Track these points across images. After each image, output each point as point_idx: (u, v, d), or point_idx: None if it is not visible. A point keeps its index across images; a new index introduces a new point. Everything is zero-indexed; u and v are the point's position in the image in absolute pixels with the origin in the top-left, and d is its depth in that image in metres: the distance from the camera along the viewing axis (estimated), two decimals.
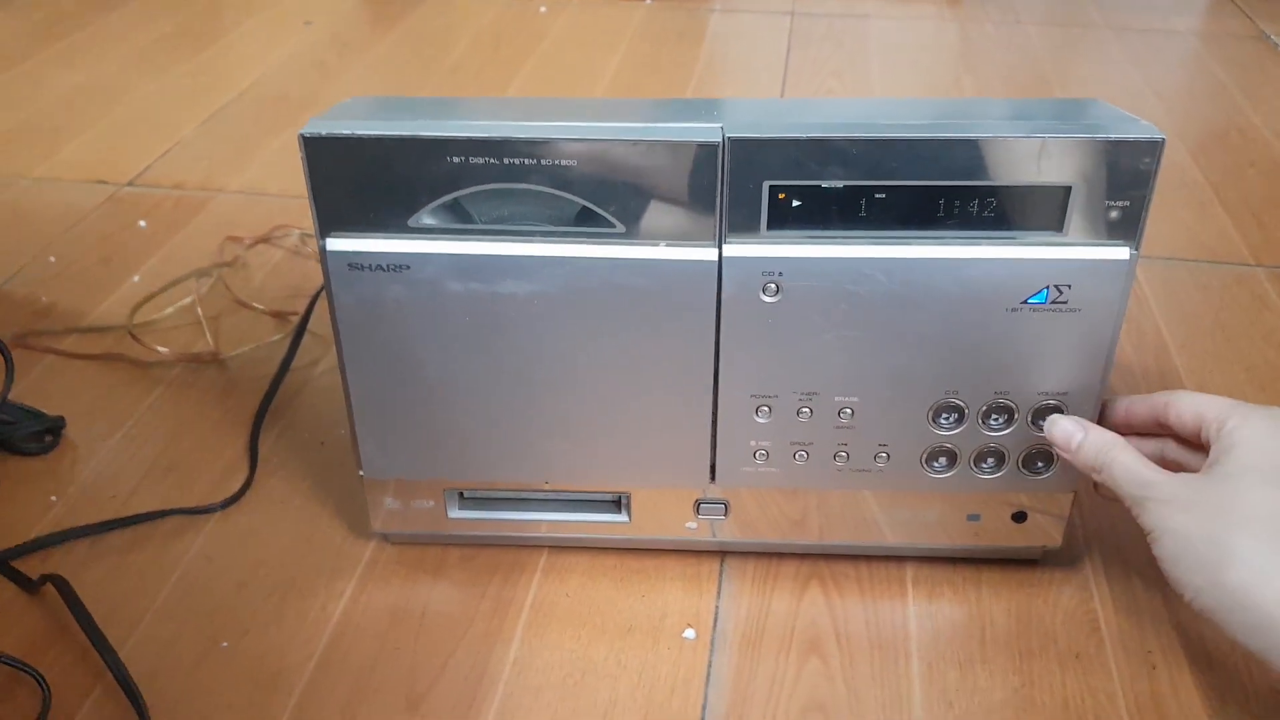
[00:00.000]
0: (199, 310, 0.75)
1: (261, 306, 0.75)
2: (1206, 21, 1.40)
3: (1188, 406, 0.45)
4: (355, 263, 0.46)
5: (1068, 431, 0.46)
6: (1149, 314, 0.75)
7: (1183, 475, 0.43)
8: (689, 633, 0.50)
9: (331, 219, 0.45)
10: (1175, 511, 0.41)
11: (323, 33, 1.32)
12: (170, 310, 0.75)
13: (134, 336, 0.71)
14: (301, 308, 0.74)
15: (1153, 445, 0.48)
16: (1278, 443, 0.41)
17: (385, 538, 0.56)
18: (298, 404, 0.66)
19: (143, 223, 0.88)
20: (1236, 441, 0.41)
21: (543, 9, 1.40)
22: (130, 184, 0.95)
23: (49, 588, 0.52)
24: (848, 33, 1.33)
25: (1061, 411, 0.47)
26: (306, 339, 0.70)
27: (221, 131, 1.05)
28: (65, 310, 0.76)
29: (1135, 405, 0.48)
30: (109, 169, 0.97)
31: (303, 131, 0.43)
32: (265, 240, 0.83)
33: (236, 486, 0.60)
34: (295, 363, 0.68)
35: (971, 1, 1.45)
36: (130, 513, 0.58)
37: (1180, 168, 0.97)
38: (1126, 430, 0.47)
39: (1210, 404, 0.44)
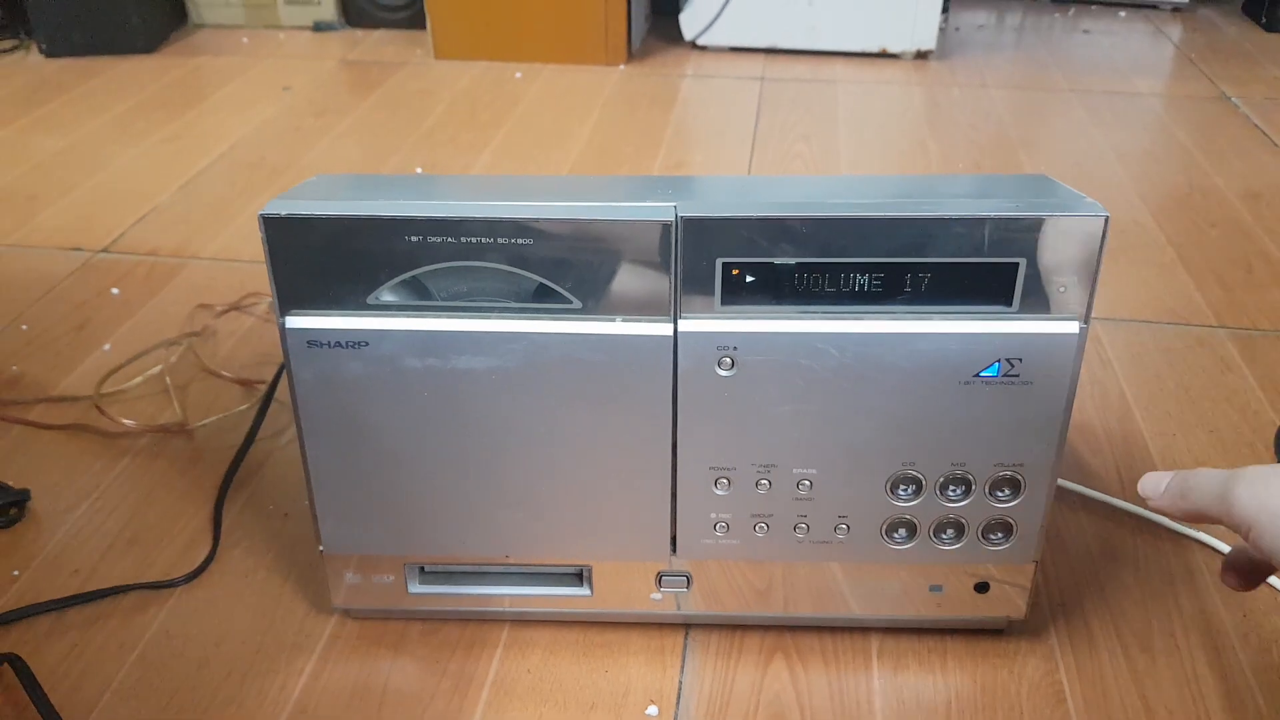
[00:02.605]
0: (167, 380, 0.75)
1: (230, 375, 0.75)
2: (1168, 84, 1.43)
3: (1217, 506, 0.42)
4: (315, 339, 0.46)
5: (1155, 481, 0.44)
6: (1113, 376, 0.76)
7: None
8: (652, 709, 0.50)
9: (291, 297, 0.46)
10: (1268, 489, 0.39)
11: (301, 98, 1.34)
12: (139, 380, 0.75)
13: (100, 410, 0.71)
14: (270, 376, 0.74)
15: None
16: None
17: (347, 613, 0.55)
18: (263, 475, 0.66)
19: (115, 290, 0.88)
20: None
21: (518, 75, 1.43)
22: (105, 250, 0.95)
23: (5, 667, 0.51)
24: (816, 97, 1.36)
25: (1019, 484, 0.47)
26: (273, 408, 0.70)
27: (197, 197, 1.06)
28: (35, 379, 0.75)
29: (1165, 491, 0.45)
30: (84, 236, 0.98)
31: (262, 212, 0.44)
32: (236, 308, 0.83)
33: (200, 559, 0.59)
34: (261, 432, 0.68)
35: (938, 67, 1.49)
36: (92, 588, 0.57)
37: (1143, 229, 0.99)
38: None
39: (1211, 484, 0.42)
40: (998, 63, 1.52)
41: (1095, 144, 1.21)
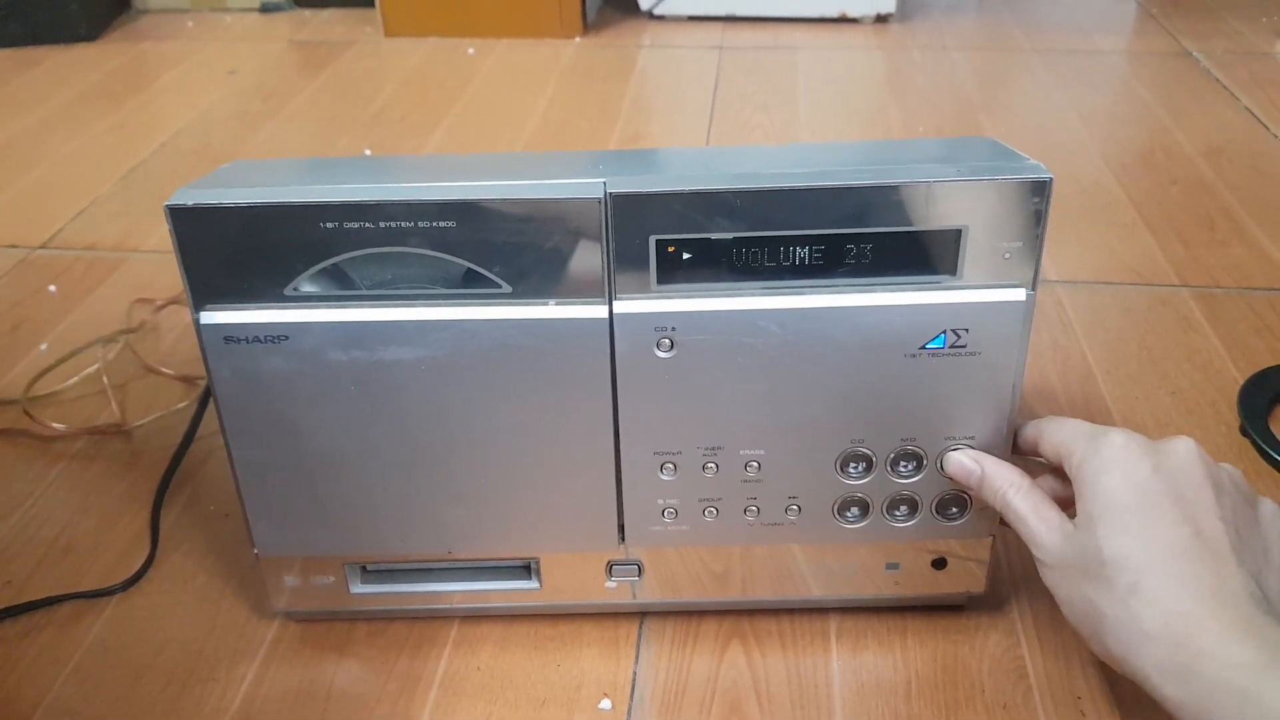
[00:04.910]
0: (105, 379, 0.72)
1: (171, 372, 0.73)
2: (1131, 41, 1.42)
3: (1049, 441, 0.44)
4: (232, 335, 0.44)
5: (965, 469, 0.45)
6: (1074, 340, 0.74)
7: (1063, 526, 0.41)
8: (605, 703, 0.48)
9: (205, 291, 0.43)
10: (1059, 576, 0.40)
11: (247, 81, 1.30)
12: (75, 380, 0.72)
13: (29, 414, 0.68)
14: None
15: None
16: (1123, 480, 0.39)
17: (289, 616, 0.53)
18: (203, 474, 0.64)
19: (53, 287, 0.85)
20: (1084, 482, 0.40)
21: (471, 50, 1.40)
22: (43, 247, 0.92)
23: None
24: (775, 65, 1.33)
25: None
26: (214, 404, 0.68)
27: (138, 188, 1.03)
28: None
29: (1025, 434, 0.46)
30: (22, 232, 0.94)
31: (168, 203, 0.42)
32: (177, 302, 0.81)
33: (137, 565, 0.57)
34: (201, 430, 0.65)
35: (899, 30, 1.46)
36: (26, 599, 0.55)
37: (1104, 189, 0.98)
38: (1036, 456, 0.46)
39: (1063, 437, 0.43)
40: (959, 24, 1.50)
41: (1057, 105, 1.20)
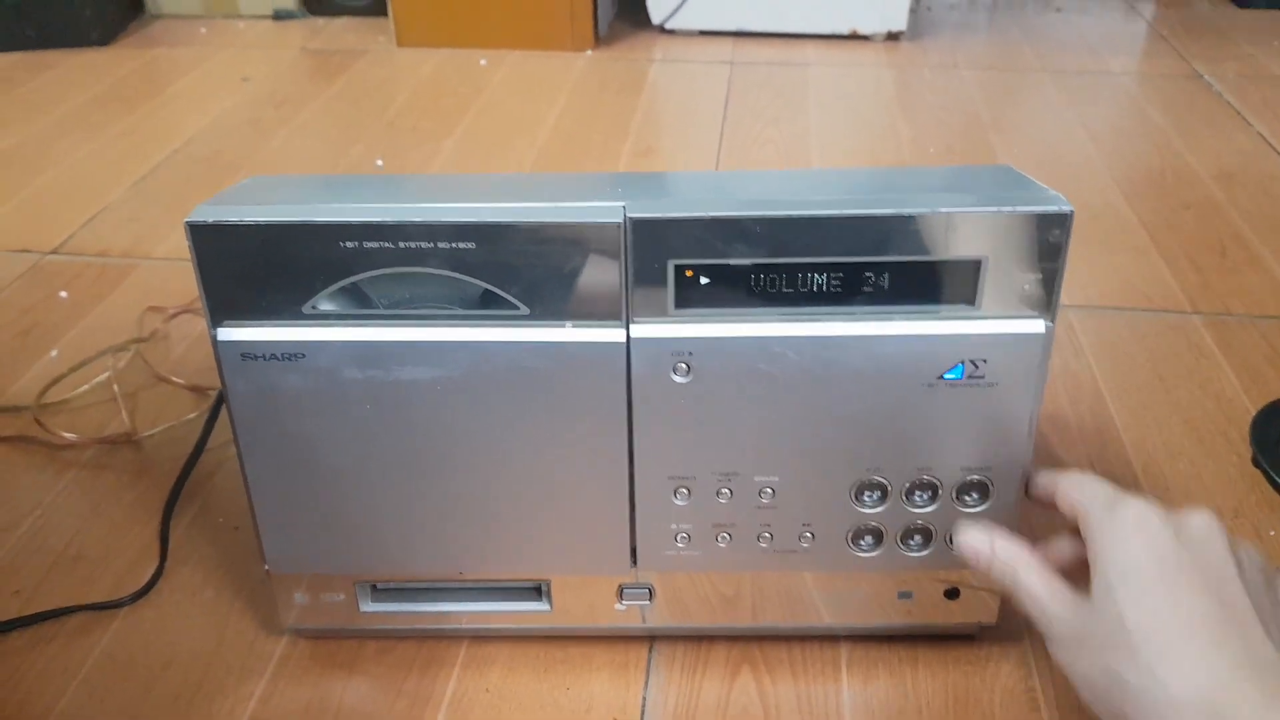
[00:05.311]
0: (115, 387, 0.72)
1: (181, 381, 0.73)
2: (1141, 62, 1.42)
3: (1065, 498, 0.42)
4: (249, 352, 0.44)
5: (975, 550, 0.43)
6: (1086, 366, 0.74)
7: (1076, 599, 0.40)
8: None
9: (223, 308, 0.43)
10: (1073, 652, 0.39)
11: (260, 89, 1.31)
12: (85, 388, 0.72)
13: (39, 422, 0.68)
14: None
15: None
16: (1144, 548, 0.38)
17: (298, 632, 0.53)
18: (212, 486, 0.63)
19: (64, 293, 0.85)
20: (1102, 549, 0.39)
21: (482, 61, 1.40)
22: (54, 252, 0.92)
23: None
24: (786, 81, 1.33)
25: (987, 488, 0.46)
26: (225, 415, 0.67)
27: (150, 194, 1.03)
28: None
29: (1040, 482, 0.45)
30: (33, 237, 0.94)
31: (189, 219, 0.42)
32: (188, 310, 0.81)
33: (146, 577, 0.57)
34: (211, 441, 0.65)
35: (910, 48, 1.47)
36: (35, 609, 0.55)
37: (1116, 213, 0.98)
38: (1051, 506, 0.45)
39: (1081, 497, 0.42)
40: (969, 43, 1.50)
41: (1068, 125, 1.20)
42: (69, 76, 1.35)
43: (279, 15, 1.60)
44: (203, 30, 1.55)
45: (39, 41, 1.44)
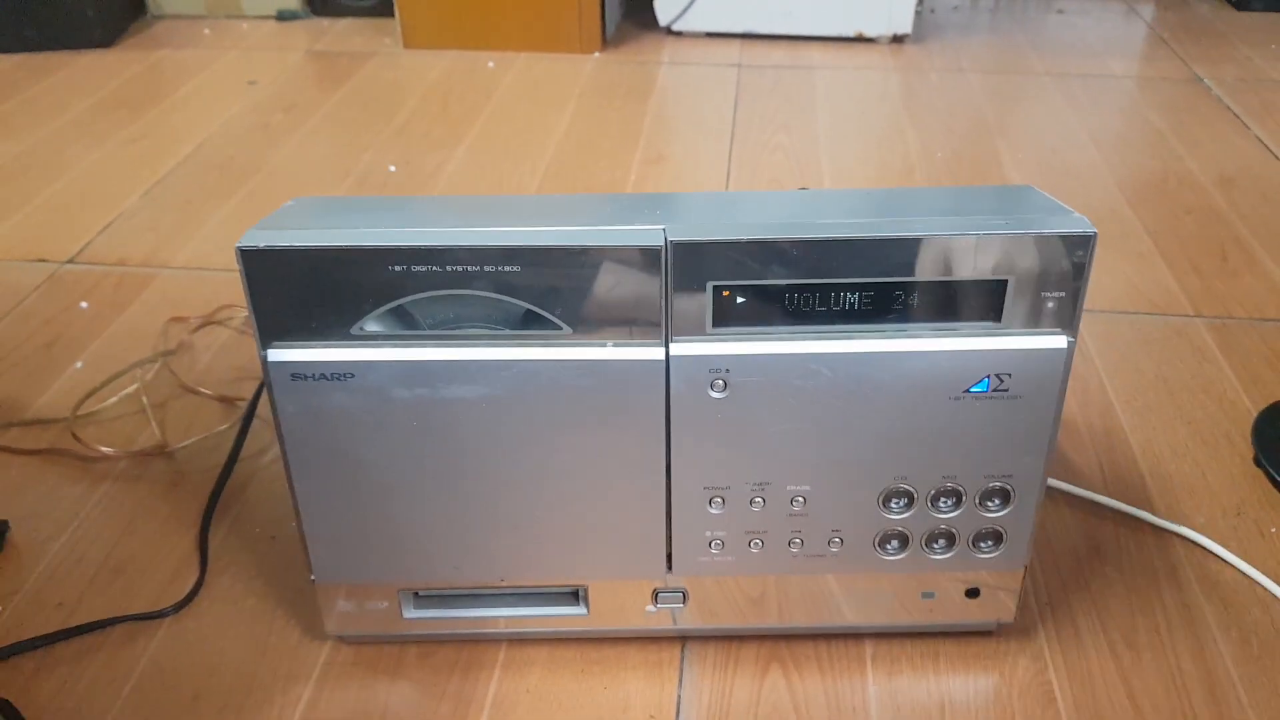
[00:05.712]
0: (144, 399, 0.73)
1: (210, 392, 0.74)
2: (1142, 65, 1.44)
3: None
4: (298, 373, 0.45)
5: None
6: (1094, 371, 0.76)
7: None
8: None
9: (273, 329, 0.45)
10: None
11: (267, 92, 1.31)
12: (114, 400, 0.73)
13: (75, 436, 0.69)
14: (250, 391, 0.73)
15: None
16: None
17: (341, 638, 0.55)
18: (247, 496, 0.65)
19: (84, 304, 0.86)
20: None
21: (490, 64, 1.41)
22: (71, 261, 0.93)
23: None
24: (794, 85, 1.35)
25: (1008, 494, 0.48)
26: (255, 426, 0.69)
27: (164, 202, 1.04)
28: (7, 401, 0.74)
29: None
30: (49, 246, 0.95)
31: (240, 244, 0.43)
32: (211, 321, 0.82)
33: (187, 587, 0.58)
34: (244, 452, 0.67)
35: (914, 51, 1.48)
36: (79, 621, 0.56)
37: (1120, 217, 1.00)
38: None
39: None
40: (973, 45, 1.51)
41: (1071, 129, 1.21)
42: (74, 80, 1.35)
43: (282, 16, 1.60)
44: (206, 31, 1.55)
45: (41, 43, 1.44)
